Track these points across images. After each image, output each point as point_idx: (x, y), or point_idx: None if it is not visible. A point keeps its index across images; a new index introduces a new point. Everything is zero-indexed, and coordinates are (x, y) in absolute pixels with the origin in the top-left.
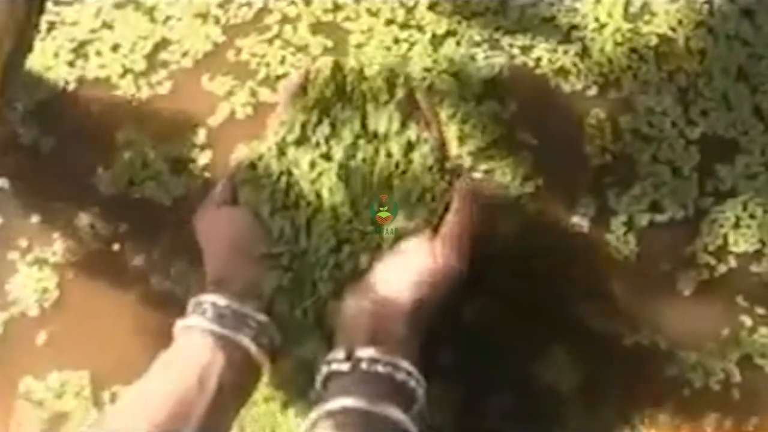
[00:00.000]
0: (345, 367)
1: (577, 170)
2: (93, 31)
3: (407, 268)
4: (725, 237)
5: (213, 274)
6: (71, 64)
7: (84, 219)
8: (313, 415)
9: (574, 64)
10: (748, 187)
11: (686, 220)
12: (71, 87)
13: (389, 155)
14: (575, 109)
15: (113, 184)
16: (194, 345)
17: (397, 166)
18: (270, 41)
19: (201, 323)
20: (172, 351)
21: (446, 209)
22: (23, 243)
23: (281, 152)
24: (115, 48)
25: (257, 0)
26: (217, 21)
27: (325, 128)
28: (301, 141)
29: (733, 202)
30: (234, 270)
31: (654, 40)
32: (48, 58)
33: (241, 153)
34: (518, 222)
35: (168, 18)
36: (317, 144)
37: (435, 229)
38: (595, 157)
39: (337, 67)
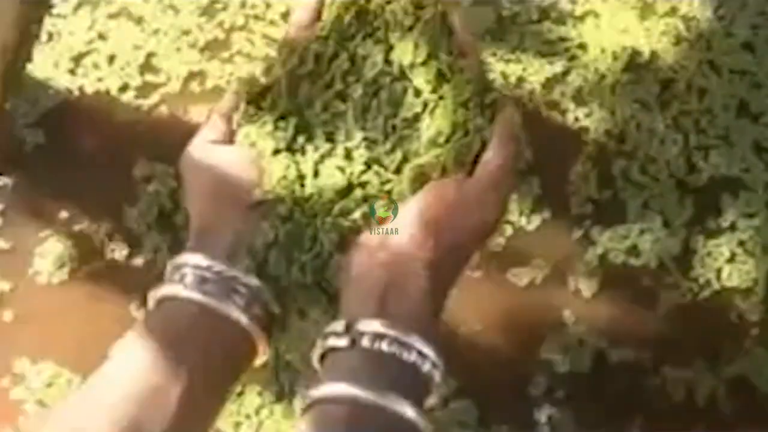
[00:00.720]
0: (342, 342)
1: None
2: (89, 42)
3: (431, 219)
4: (719, 271)
5: (197, 223)
6: (72, 72)
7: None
8: (304, 402)
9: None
10: (748, 224)
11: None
12: (74, 96)
13: (417, 93)
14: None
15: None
16: (170, 318)
17: (425, 104)
18: None
19: (179, 291)
20: (142, 327)
21: (483, 148)
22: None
23: (290, 87)
24: (111, 60)
25: None
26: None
27: (342, 63)
28: (314, 76)
29: (730, 237)
30: (222, 219)
31: (656, 89)
32: (48, 69)
33: (240, 83)
34: None
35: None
36: (332, 81)
37: (469, 172)
38: (579, 205)
39: None
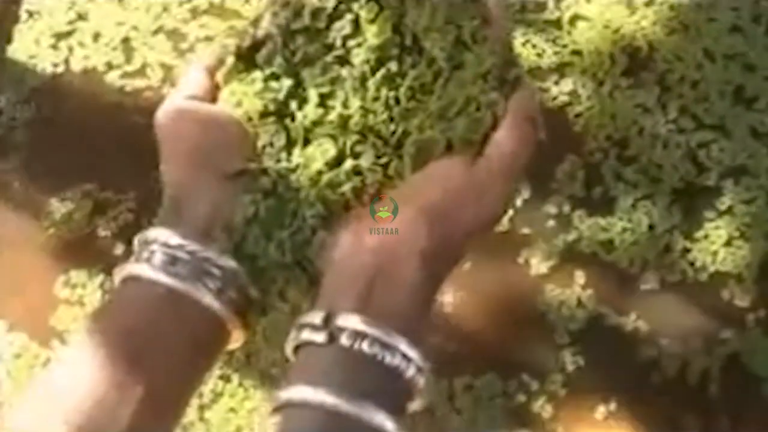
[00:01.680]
0: (319, 337)
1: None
2: (70, 22)
3: (430, 202)
4: (715, 254)
5: (171, 191)
6: (54, 47)
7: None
8: (271, 402)
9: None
10: (746, 210)
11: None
12: (60, 72)
13: (430, 62)
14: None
15: None
16: (134, 302)
17: (437, 74)
18: None
19: (146, 272)
20: (103, 311)
21: (495, 125)
22: None
23: (284, 43)
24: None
25: None
26: None
27: (345, 25)
28: (312, 33)
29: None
30: (198, 189)
31: (656, 90)
32: (30, 47)
33: (228, 35)
34: None
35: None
36: (332, 43)
37: (478, 151)
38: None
39: None
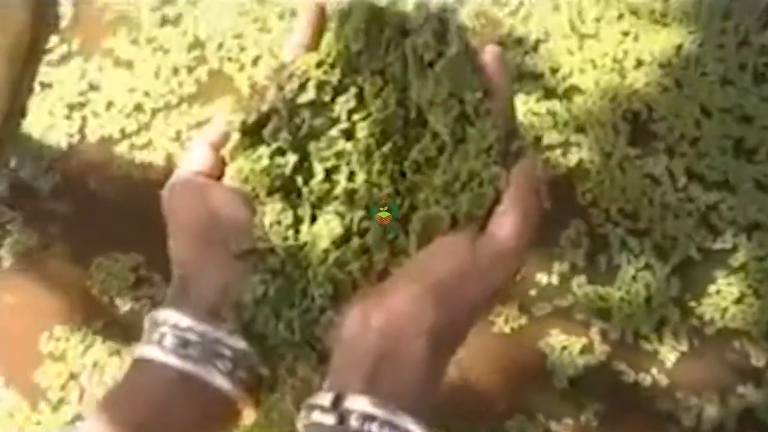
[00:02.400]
0: (329, 420)
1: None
2: (82, 93)
3: (437, 279)
4: (725, 310)
5: (179, 270)
6: (68, 117)
7: None
8: None
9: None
10: (758, 267)
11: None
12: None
13: (434, 136)
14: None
15: None
16: (146, 383)
17: (441, 148)
18: None
19: (157, 355)
20: (115, 397)
21: (498, 199)
22: None
23: (290, 117)
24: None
25: None
26: None
27: (349, 99)
28: (317, 107)
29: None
30: (206, 268)
31: (664, 159)
32: (44, 118)
33: (233, 109)
34: None
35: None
36: (337, 116)
37: (481, 226)
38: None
39: (372, 12)
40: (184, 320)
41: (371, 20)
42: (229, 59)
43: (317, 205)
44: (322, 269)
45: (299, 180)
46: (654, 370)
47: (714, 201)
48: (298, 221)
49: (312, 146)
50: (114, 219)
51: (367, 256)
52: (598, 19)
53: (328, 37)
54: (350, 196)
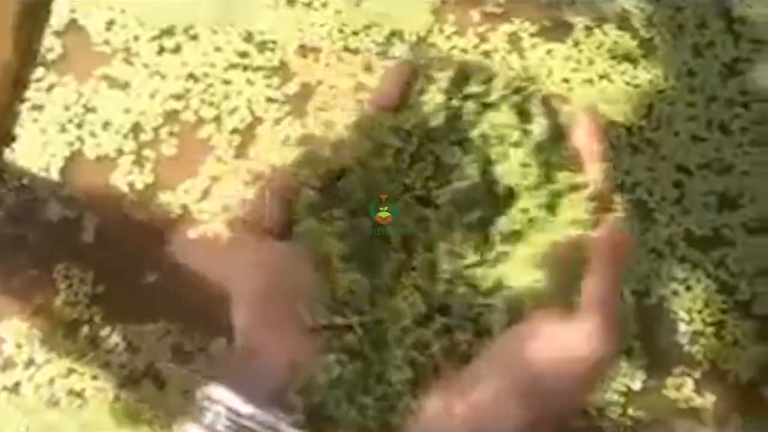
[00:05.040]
0: None
1: None
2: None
3: (525, 370)
4: None
5: (243, 339)
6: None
7: None
8: None
9: None
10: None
11: None
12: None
13: (524, 210)
14: None
15: None
16: None
17: (532, 220)
18: None
19: None
20: None
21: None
22: None
23: (366, 179)
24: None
25: None
26: None
27: (427, 167)
28: (392, 173)
29: None
30: (273, 342)
31: (665, 232)
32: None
33: (304, 159)
34: None
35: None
36: (413, 183)
37: (568, 303)
38: None
39: (460, 74)
40: (243, 406)
41: (455, 88)
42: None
43: (396, 274)
44: (400, 351)
45: (377, 241)
46: None
47: (718, 258)
48: (375, 296)
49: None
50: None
51: (449, 337)
52: (566, 80)
53: (411, 107)
54: (430, 268)
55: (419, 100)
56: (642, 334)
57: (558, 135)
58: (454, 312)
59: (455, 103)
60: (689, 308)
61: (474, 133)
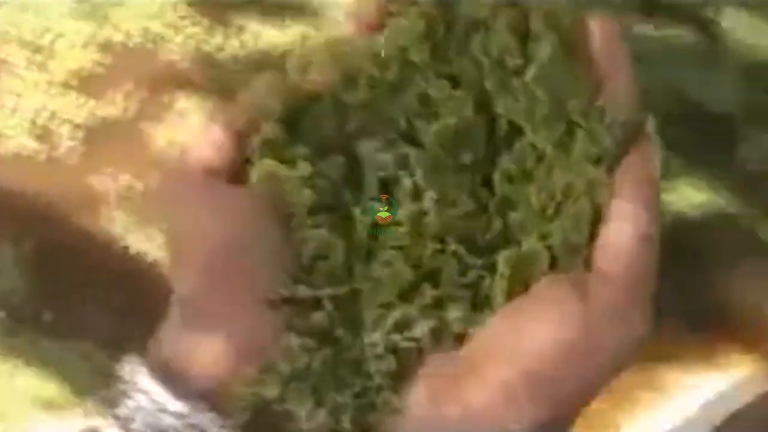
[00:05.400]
0: None
1: None
2: None
3: (533, 356)
4: None
5: (183, 304)
6: None
7: None
8: None
9: None
10: None
11: None
12: None
13: (533, 146)
14: None
15: None
16: None
17: (541, 157)
18: None
19: None
20: None
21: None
22: None
23: (336, 110)
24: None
25: None
26: None
27: (410, 100)
28: (369, 106)
29: None
30: (220, 309)
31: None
32: None
33: (264, 84)
34: None
35: None
36: (395, 119)
37: (585, 261)
38: None
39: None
40: (173, 404)
41: (440, 8)
42: None
43: (372, 235)
44: (378, 336)
45: (348, 197)
46: None
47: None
48: (350, 257)
49: (364, 148)
50: None
51: (440, 313)
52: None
53: (389, 33)
54: (416, 220)
55: (399, 22)
56: None
57: (567, 53)
58: (445, 278)
59: (440, 25)
60: None
61: (464, 61)
